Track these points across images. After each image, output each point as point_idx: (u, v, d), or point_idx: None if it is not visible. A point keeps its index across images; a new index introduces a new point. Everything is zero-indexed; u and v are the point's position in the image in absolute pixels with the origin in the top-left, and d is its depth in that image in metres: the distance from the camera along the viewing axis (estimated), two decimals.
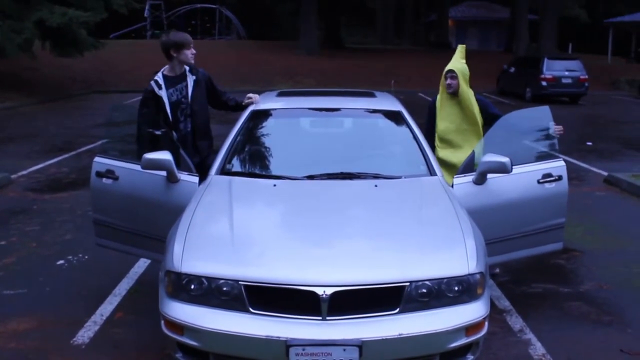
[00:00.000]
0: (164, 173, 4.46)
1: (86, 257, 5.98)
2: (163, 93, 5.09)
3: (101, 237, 4.96)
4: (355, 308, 3.18)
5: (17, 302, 4.99)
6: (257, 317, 3.18)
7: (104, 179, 4.71)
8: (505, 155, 4.29)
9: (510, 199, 4.57)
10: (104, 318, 4.69)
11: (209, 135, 5.37)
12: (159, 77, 5.15)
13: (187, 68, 5.19)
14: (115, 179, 4.68)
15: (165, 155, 4.34)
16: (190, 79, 5.17)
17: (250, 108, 5.26)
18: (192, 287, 3.28)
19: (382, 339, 3.11)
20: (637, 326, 4.63)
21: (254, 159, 4.91)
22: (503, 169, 4.28)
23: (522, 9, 35.01)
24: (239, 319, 3.18)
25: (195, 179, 4.51)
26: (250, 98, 5.47)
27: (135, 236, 4.76)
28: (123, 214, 4.75)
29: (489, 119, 5.42)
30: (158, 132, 5.05)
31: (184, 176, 4.51)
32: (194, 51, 5.19)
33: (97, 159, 4.82)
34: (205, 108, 5.31)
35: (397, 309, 3.20)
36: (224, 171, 4.57)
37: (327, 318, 3.14)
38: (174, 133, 5.11)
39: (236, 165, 4.71)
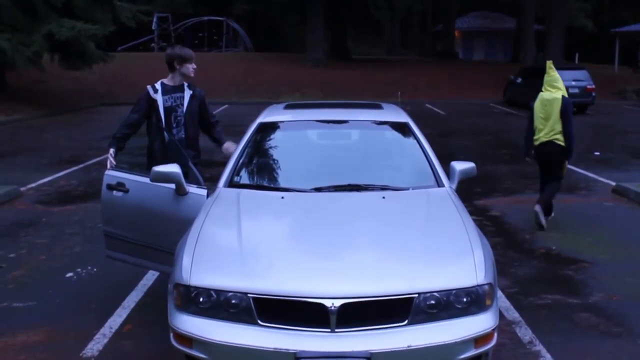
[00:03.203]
0: (172, 186, 4.51)
1: (95, 269, 6.00)
2: (158, 97, 5.37)
3: (111, 249, 5.02)
4: (364, 320, 3.18)
5: (26, 315, 5.01)
6: (265, 330, 3.18)
7: (115, 192, 4.78)
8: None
9: None
10: (113, 331, 4.70)
11: (196, 147, 5.60)
12: (157, 84, 5.45)
13: (187, 84, 5.49)
14: (126, 191, 4.76)
15: (174, 168, 4.42)
16: (187, 93, 5.47)
17: (258, 120, 5.30)
18: (201, 299, 3.29)
19: (391, 351, 3.10)
20: None
21: (261, 172, 4.93)
22: (474, 171, 4.82)
23: (529, 19, 35.03)
24: (248, 332, 3.18)
25: (204, 192, 4.56)
26: (228, 149, 5.47)
27: (144, 248, 4.80)
28: (133, 226, 4.80)
29: None
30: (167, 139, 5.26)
31: (192, 189, 4.57)
32: (194, 66, 5.50)
33: (108, 171, 4.90)
34: (196, 122, 5.57)
35: (406, 321, 3.20)
36: (232, 183, 4.59)
37: (336, 330, 3.14)
38: (166, 135, 5.33)
39: (244, 178, 4.73)
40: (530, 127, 7.57)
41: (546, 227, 7.27)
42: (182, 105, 5.43)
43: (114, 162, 5.15)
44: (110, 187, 4.82)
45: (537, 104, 7.51)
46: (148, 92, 5.39)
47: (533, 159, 7.66)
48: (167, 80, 5.48)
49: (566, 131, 7.23)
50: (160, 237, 4.64)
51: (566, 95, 7.30)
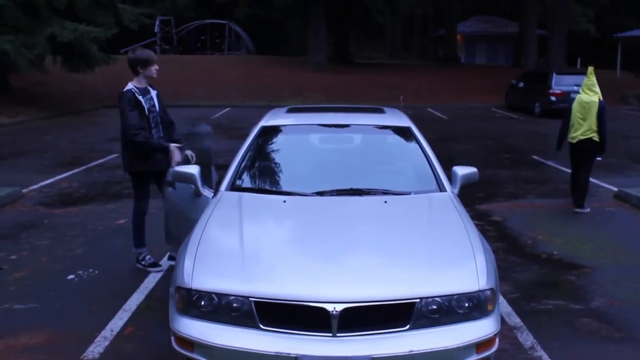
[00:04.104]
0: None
1: (97, 271, 6.00)
2: (141, 98, 5.57)
3: (168, 243, 5.42)
4: (366, 324, 3.18)
5: (27, 317, 5.01)
6: (267, 334, 3.18)
7: (170, 188, 5.12)
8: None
9: None
10: (114, 333, 4.70)
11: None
12: (132, 87, 5.60)
13: (149, 85, 5.72)
14: (174, 188, 5.06)
15: (190, 169, 4.62)
16: (154, 93, 5.73)
17: (260, 123, 5.32)
18: (203, 303, 3.29)
19: (393, 356, 3.10)
20: None
21: (263, 175, 4.94)
22: (476, 176, 4.82)
23: (531, 24, 35.07)
24: (249, 335, 3.18)
25: (211, 195, 4.65)
26: (173, 152, 5.53)
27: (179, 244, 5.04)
28: (175, 223, 5.16)
29: None
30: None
31: (206, 191, 4.73)
32: (157, 67, 5.69)
33: (172, 168, 5.14)
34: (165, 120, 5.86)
35: (408, 326, 3.19)
36: (234, 187, 4.60)
37: (338, 334, 3.14)
38: (154, 132, 5.61)
39: (246, 181, 4.74)
40: (565, 125, 8.47)
41: (589, 210, 8.37)
42: (155, 106, 5.69)
43: (180, 158, 5.42)
44: (169, 184, 5.12)
45: (575, 105, 8.29)
46: (134, 94, 5.56)
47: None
48: (135, 83, 5.66)
49: (601, 130, 8.14)
50: (184, 234, 4.80)
51: (602, 99, 8.15)
